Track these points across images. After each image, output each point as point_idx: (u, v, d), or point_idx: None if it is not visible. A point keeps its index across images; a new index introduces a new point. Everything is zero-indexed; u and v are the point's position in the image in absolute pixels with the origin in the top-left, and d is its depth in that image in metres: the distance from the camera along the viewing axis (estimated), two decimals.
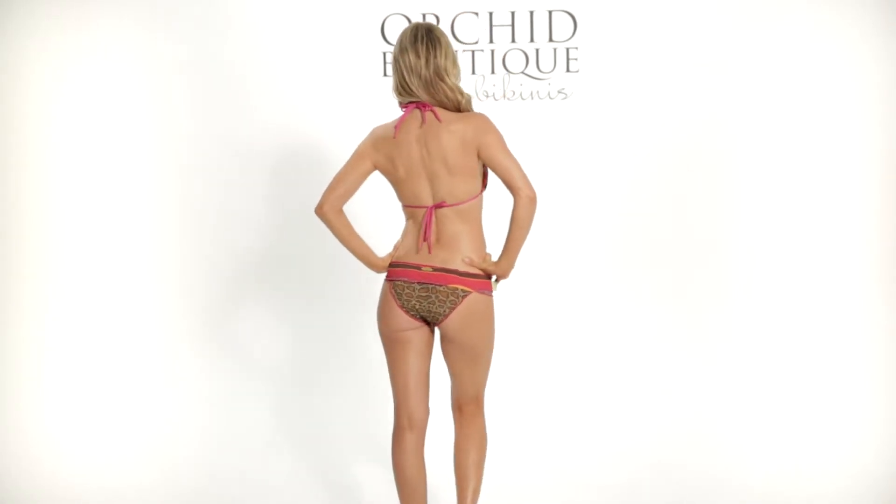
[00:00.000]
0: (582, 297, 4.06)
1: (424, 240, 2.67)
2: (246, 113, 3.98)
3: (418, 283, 2.66)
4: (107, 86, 3.97)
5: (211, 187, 4.02)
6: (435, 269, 2.66)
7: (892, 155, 3.92)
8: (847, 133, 3.93)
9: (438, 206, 2.66)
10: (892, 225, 3.93)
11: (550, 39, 3.96)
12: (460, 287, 2.65)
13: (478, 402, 2.84)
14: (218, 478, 3.60)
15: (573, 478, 3.57)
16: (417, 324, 2.72)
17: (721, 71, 3.93)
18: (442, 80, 2.63)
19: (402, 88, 2.67)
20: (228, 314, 4.08)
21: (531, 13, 3.94)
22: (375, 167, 2.72)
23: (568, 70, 3.96)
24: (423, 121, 2.64)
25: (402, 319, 2.71)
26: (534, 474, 3.60)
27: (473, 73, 3.95)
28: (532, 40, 3.95)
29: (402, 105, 2.70)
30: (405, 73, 2.64)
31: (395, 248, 2.76)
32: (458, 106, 2.66)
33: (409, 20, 3.91)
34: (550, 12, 3.94)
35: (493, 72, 3.96)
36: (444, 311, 2.66)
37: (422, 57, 2.62)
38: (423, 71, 2.62)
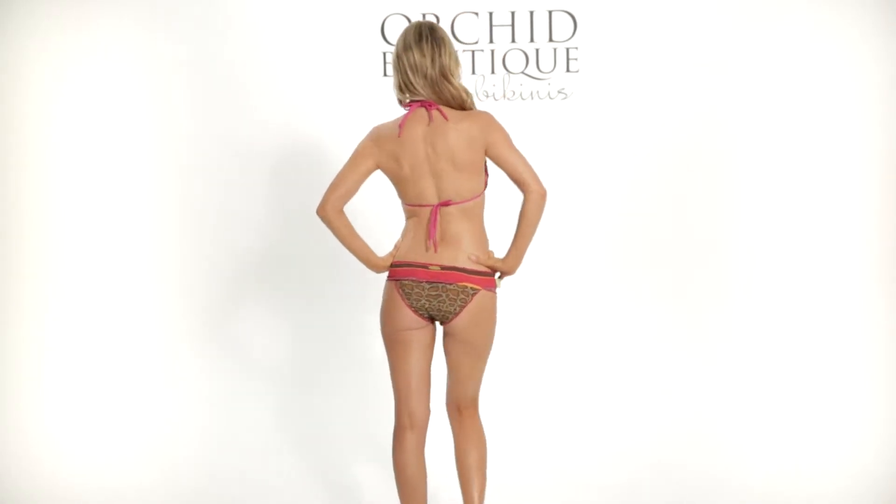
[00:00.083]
0: (582, 296, 4.06)
1: (430, 238, 2.67)
2: (246, 113, 3.98)
3: (427, 282, 2.65)
4: (107, 86, 3.97)
5: (211, 187, 4.02)
6: (443, 268, 2.65)
7: (892, 155, 3.92)
8: (847, 133, 3.93)
9: (445, 204, 2.66)
10: (892, 225, 3.93)
11: (550, 39, 3.96)
12: (469, 285, 2.66)
13: (475, 401, 2.85)
14: (218, 478, 3.60)
15: (573, 478, 3.57)
16: (424, 323, 2.72)
17: (721, 71, 3.93)
18: (447, 79, 2.64)
19: (406, 87, 2.67)
20: (228, 314, 4.08)
21: (531, 13, 3.94)
22: (378, 166, 2.71)
23: (568, 70, 3.96)
24: (431, 119, 2.63)
25: (411, 319, 2.70)
26: (534, 474, 3.60)
27: (473, 73, 3.95)
28: (532, 40, 3.95)
29: (405, 104, 2.70)
30: (409, 71, 2.64)
31: (396, 247, 2.75)
32: (463, 105, 2.67)
33: (409, 20, 3.91)
34: (550, 12, 3.94)
35: (493, 72, 3.96)
36: (455, 309, 2.66)
37: (427, 56, 2.62)
38: (430, 70, 2.62)
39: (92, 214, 4.01)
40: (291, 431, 3.91)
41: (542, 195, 2.64)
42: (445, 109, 2.64)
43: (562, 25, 3.95)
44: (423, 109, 2.66)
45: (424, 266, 2.66)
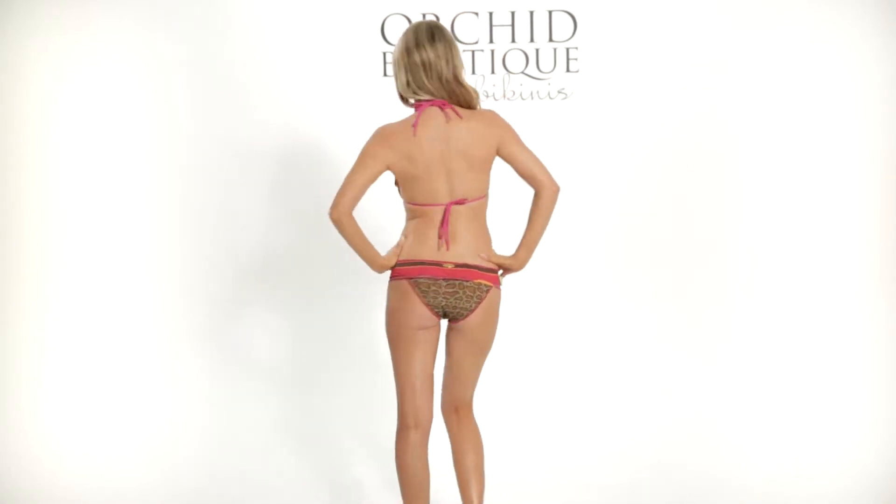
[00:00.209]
0: (582, 296, 4.06)
1: (441, 237, 2.67)
2: (246, 113, 3.98)
3: (444, 279, 2.65)
4: (107, 86, 3.97)
5: (211, 187, 4.02)
6: (457, 266, 2.66)
7: (892, 155, 3.92)
8: (847, 133, 3.93)
9: (459, 202, 2.66)
10: (892, 225, 3.93)
11: (550, 39, 3.96)
12: (484, 282, 2.67)
13: (471, 402, 2.87)
14: (218, 478, 3.60)
15: (573, 478, 3.56)
16: (436, 321, 2.72)
17: (721, 71, 3.93)
18: (459, 80, 2.65)
19: (417, 87, 2.66)
20: (229, 314, 4.08)
21: (531, 13, 3.94)
22: (388, 167, 2.68)
23: (568, 70, 3.96)
24: (448, 118, 2.63)
25: (426, 317, 2.69)
26: (534, 474, 3.60)
27: (473, 73, 3.95)
28: (532, 40, 3.95)
29: (415, 104, 2.70)
30: (422, 71, 2.64)
31: (399, 246, 2.74)
32: (471, 104, 2.68)
33: (409, 20, 3.91)
34: (550, 12, 3.94)
35: (493, 72, 3.96)
36: (471, 306, 2.67)
37: (442, 57, 2.63)
38: (445, 71, 2.63)
39: (92, 214, 4.01)
40: (291, 431, 3.91)
41: (556, 191, 2.68)
42: (458, 108, 2.66)
43: (562, 25, 3.95)
44: (435, 108, 2.65)
45: (438, 264, 2.66)
